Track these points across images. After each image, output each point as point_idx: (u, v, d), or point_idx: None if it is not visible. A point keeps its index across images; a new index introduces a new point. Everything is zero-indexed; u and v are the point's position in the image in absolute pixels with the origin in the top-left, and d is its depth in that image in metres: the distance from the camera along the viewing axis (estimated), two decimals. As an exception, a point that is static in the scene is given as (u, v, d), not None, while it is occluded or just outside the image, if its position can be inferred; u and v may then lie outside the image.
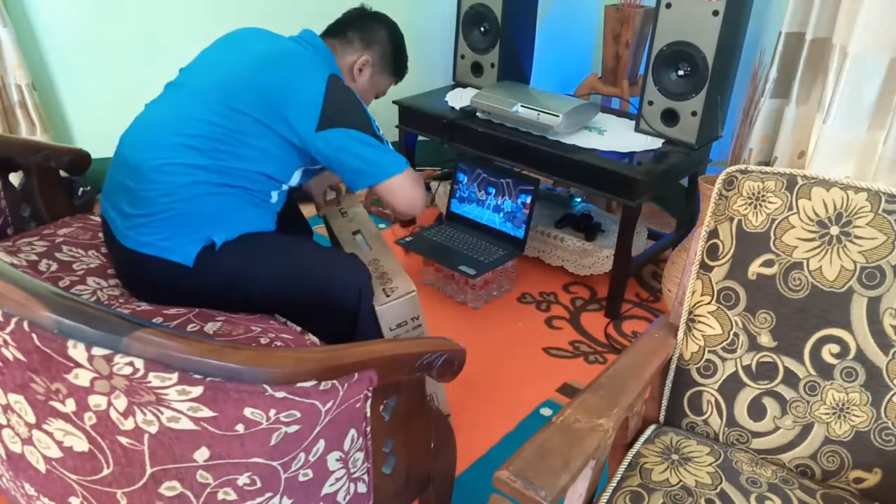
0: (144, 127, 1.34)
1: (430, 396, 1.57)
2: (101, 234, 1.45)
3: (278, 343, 1.17)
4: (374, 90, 1.61)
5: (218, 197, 1.29)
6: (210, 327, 1.19)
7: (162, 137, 1.29)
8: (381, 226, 2.65)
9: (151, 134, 1.31)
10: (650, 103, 2.10)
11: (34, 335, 0.73)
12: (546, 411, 1.75)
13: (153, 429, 0.77)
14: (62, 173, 1.57)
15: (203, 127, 1.28)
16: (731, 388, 1.11)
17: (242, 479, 0.83)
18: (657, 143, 2.09)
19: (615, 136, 2.15)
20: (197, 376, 0.74)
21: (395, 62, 1.61)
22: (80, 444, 0.81)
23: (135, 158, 1.30)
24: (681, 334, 1.15)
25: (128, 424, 0.77)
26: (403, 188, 1.39)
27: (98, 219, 1.50)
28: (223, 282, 1.29)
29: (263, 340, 1.16)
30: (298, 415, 0.81)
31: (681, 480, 1.01)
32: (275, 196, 1.39)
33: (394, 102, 2.48)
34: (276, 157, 1.33)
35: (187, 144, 1.27)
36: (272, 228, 1.40)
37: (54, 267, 1.31)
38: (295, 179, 1.43)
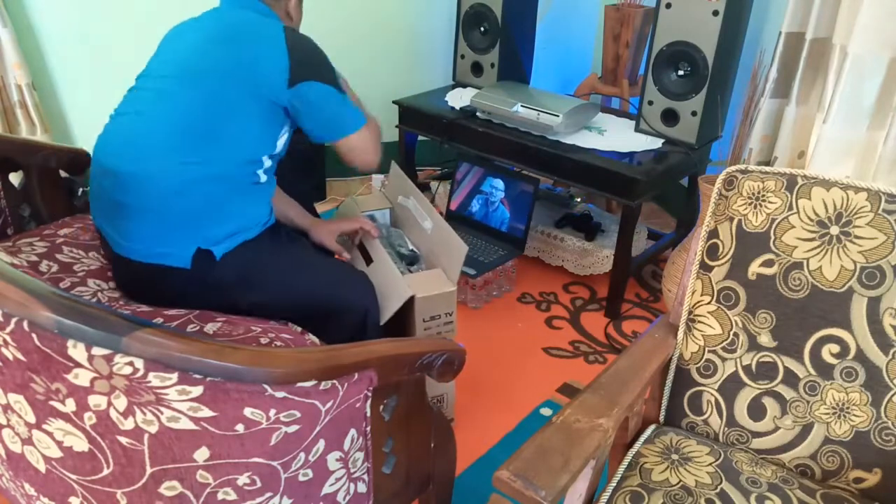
0: (121, 139, 1.31)
1: (440, 397, 1.57)
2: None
3: (278, 343, 1.17)
4: (301, 6, 1.54)
5: (202, 192, 1.26)
6: (210, 327, 1.19)
7: (144, 144, 1.27)
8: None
9: (134, 142, 1.28)
10: (650, 103, 2.10)
11: (34, 335, 0.73)
12: (546, 411, 1.75)
13: (153, 429, 0.77)
14: (62, 173, 1.57)
15: (177, 122, 1.26)
16: (731, 387, 1.11)
17: (242, 479, 0.83)
18: (657, 143, 2.09)
19: (615, 136, 2.15)
20: (197, 376, 0.74)
21: None
22: (80, 444, 0.81)
23: (116, 169, 1.28)
24: (681, 334, 1.15)
25: (128, 424, 0.77)
26: (362, 145, 1.41)
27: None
28: (228, 290, 1.28)
29: (263, 340, 1.16)
30: (298, 415, 0.81)
31: (681, 480, 1.01)
32: (262, 176, 1.35)
33: (394, 102, 2.48)
34: (255, 131, 1.31)
35: (165, 146, 1.25)
36: (267, 216, 1.37)
37: (55, 268, 1.31)
38: (281, 145, 1.38)
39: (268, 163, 1.35)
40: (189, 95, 1.27)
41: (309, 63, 1.31)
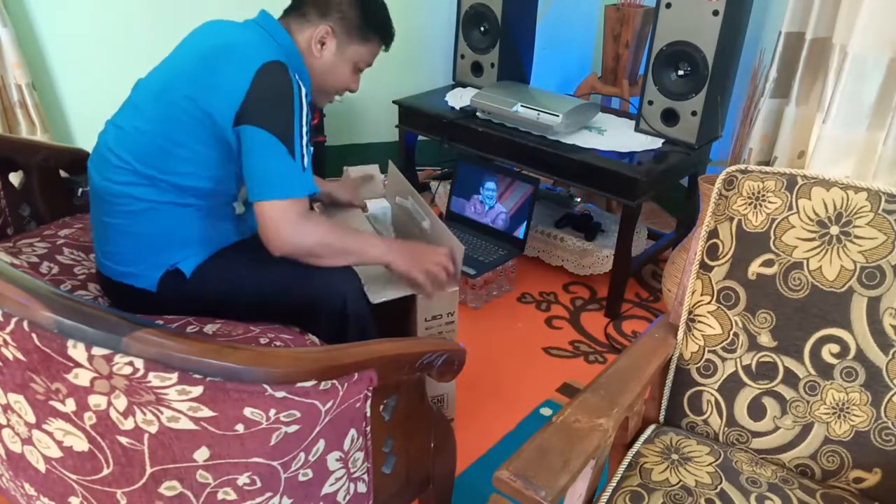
0: (103, 147, 1.26)
1: (441, 397, 1.57)
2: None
3: (278, 343, 1.17)
4: (349, 63, 1.36)
5: (168, 215, 1.21)
6: (209, 328, 1.19)
7: (113, 159, 1.22)
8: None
9: (106, 157, 1.23)
10: (650, 103, 2.10)
11: (34, 335, 0.73)
12: (546, 411, 1.75)
13: (153, 428, 0.77)
14: (62, 173, 1.57)
15: (141, 139, 1.19)
16: (731, 387, 1.11)
17: (242, 479, 0.83)
18: (657, 142, 2.09)
19: (615, 136, 2.15)
20: (197, 376, 0.74)
21: (366, 24, 1.34)
22: (80, 444, 0.81)
23: (94, 183, 1.25)
24: (681, 334, 1.15)
25: (128, 424, 0.77)
26: (276, 219, 1.15)
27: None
28: (201, 305, 1.25)
29: (263, 340, 1.16)
30: (298, 415, 0.81)
31: (681, 480, 1.01)
32: (239, 206, 1.29)
33: (394, 102, 2.48)
34: (211, 163, 1.20)
35: (130, 164, 1.19)
36: (239, 235, 1.32)
37: (55, 270, 1.31)
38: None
39: (244, 194, 1.25)
40: (152, 114, 1.19)
41: (265, 107, 1.14)
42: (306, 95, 1.19)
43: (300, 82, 1.18)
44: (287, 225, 1.15)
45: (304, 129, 1.18)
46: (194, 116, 1.15)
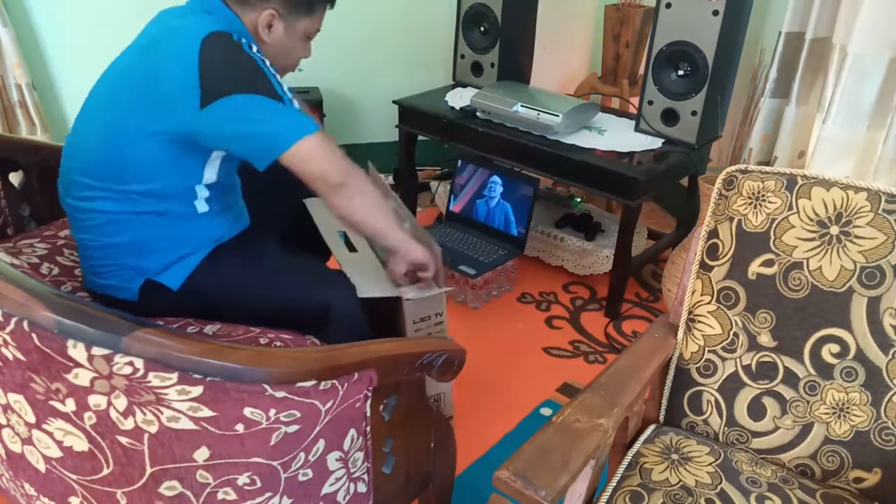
0: (65, 165, 1.22)
1: (438, 396, 1.57)
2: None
3: (278, 343, 1.17)
4: (300, 37, 1.29)
5: (129, 225, 1.18)
6: (209, 328, 1.19)
7: (73, 176, 1.19)
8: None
9: (66, 174, 1.21)
10: (650, 103, 2.10)
11: (34, 335, 0.73)
12: (546, 411, 1.75)
13: (153, 428, 0.77)
14: (62, 173, 1.57)
15: (91, 154, 1.16)
16: (730, 387, 1.11)
17: (242, 479, 0.83)
18: (657, 142, 2.09)
19: (615, 136, 2.15)
20: (197, 376, 0.74)
21: None
22: (80, 444, 0.81)
23: (62, 201, 1.23)
24: (681, 334, 1.15)
25: (128, 424, 0.77)
26: (316, 153, 1.12)
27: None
28: (207, 311, 1.24)
29: (263, 341, 1.16)
30: (298, 414, 0.81)
31: (681, 480, 1.01)
32: (202, 206, 1.22)
33: (394, 102, 2.48)
34: (166, 160, 1.14)
35: (86, 178, 1.16)
36: (219, 234, 1.27)
37: (56, 271, 1.31)
38: (211, 175, 1.21)
39: (204, 192, 1.21)
40: (101, 118, 1.15)
41: (228, 73, 1.08)
42: (258, 51, 1.13)
43: (249, 43, 1.12)
44: (324, 155, 1.13)
45: (278, 78, 1.12)
46: (143, 114, 1.10)
